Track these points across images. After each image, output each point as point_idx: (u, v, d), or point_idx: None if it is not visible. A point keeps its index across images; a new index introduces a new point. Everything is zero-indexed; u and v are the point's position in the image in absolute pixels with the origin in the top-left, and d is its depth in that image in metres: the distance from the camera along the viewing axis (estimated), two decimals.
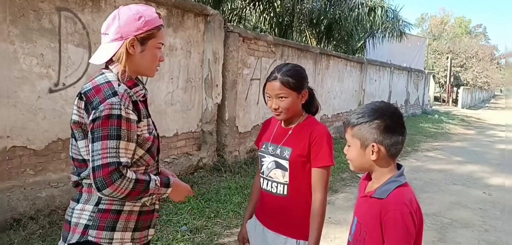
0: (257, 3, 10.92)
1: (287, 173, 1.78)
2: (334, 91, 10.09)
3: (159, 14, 1.53)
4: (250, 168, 6.13)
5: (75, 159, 1.48)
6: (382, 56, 15.76)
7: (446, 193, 5.90)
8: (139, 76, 1.60)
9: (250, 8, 11.42)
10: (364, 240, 1.42)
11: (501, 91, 72.73)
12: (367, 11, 12.00)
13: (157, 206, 1.63)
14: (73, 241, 1.43)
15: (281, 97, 1.74)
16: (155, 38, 1.49)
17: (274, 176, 1.81)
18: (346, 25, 12.29)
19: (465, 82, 37.44)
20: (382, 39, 13.82)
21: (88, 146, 1.40)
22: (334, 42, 13.53)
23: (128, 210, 1.47)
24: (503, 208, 5.31)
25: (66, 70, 3.81)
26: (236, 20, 11.15)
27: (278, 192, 1.80)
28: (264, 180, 1.86)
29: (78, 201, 1.47)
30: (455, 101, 32.72)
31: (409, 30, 15.63)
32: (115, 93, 1.38)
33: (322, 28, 12.62)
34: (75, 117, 1.44)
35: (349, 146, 1.47)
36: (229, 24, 6.36)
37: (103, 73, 1.47)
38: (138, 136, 1.45)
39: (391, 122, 1.39)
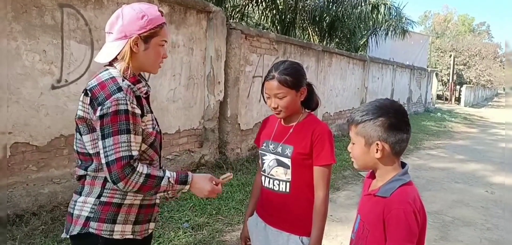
0: (259, 0, 10.89)
1: (289, 171, 1.78)
2: (337, 89, 10.07)
3: (161, 12, 1.55)
4: (252, 165, 6.13)
5: (80, 153, 1.52)
6: (385, 54, 15.72)
7: (448, 191, 5.89)
8: (142, 73, 1.63)
9: (252, 5, 11.39)
10: (367, 238, 1.42)
11: (504, 89, 72.41)
12: (370, 8, 11.96)
13: (158, 200, 1.65)
14: (75, 232, 1.47)
15: (280, 96, 1.74)
16: (158, 36, 1.52)
17: (276, 173, 1.81)
18: (349, 22, 12.25)
19: (468, 80, 37.29)
20: (385, 37, 13.78)
21: (94, 140, 1.44)
22: (337, 40, 13.49)
23: (128, 203, 1.50)
24: (505, 207, 5.30)
25: (68, 66, 3.81)
26: (239, 17, 11.12)
27: (280, 189, 1.81)
28: (266, 178, 1.86)
29: (80, 194, 1.51)
30: (458, 100, 32.63)
31: (412, 27, 15.59)
32: (120, 89, 1.42)
33: (325, 25, 12.58)
34: (80, 113, 1.47)
35: (353, 143, 1.46)
36: (231, 21, 6.36)
37: (107, 69, 1.50)
38: (142, 130, 1.49)
39: (395, 119, 1.38)
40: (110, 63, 1.51)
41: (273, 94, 1.75)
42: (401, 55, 18.56)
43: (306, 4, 10.90)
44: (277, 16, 11.41)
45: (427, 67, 24.79)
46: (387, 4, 12.59)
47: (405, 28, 13.92)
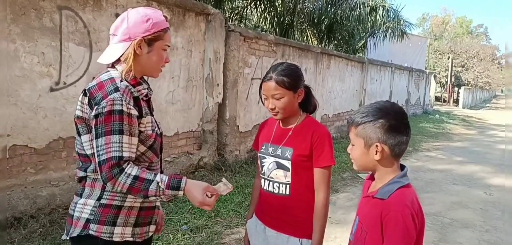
0: (258, 3, 10.91)
1: (289, 173, 1.78)
2: (335, 91, 10.08)
3: (166, 17, 1.57)
4: (251, 167, 6.13)
5: (80, 154, 1.53)
6: (383, 56, 15.75)
7: (447, 193, 5.90)
8: (144, 77, 1.64)
9: (251, 7, 11.41)
10: (365, 239, 1.42)
11: (502, 91, 72.58)
12: (368, 11, 12.00)
13: (158, 203, 1.65)
14: (75, 234, 1.48)
15: (277, 97, 1.74)
16: (161, 40, 1.54)
17: (276, 176, 1.82)
18: (347, 24, 12.28)
19: (466, 82, 37.38)
20: (383, 39, 13.80)
21: (92, 141, 1.44)
22: (335, 42, 13.51)
23: (128, 205, 1.50)
24: (504, 208, 5.30)
25: (67, 69, 3.80)
26: (237, 19, 11.14)
27: (281, 192, 1.81)
28: (265, 180, 1.86)
29: (81, 195, 1.51)
30: (456, 101, 32.70)
31: (410, 30, 15.63)
32: (116, 89, 1.42)
33: (323, 27, 12.60)
34: (78, 113, 1.49)
35: (353, 145, 1.46)
36: (230, 23, 6.36)
37: (108, 71, 1.52)
38: (140, 132, 1.49)
39: (395, 122, 1.38)
40: (113, 65, 1.53)
41: (270, 95, 1.76)
42: (400, 57, 18.60)
43: (304, 7, 10.93)
44: (276, 19, 11.42)
45: (425, 69, 24.86)
46: (385, 6, 12.63)
47: (403, 30, 13.95)
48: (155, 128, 1.58)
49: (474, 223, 4.64)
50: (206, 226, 3.86)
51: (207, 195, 1.51)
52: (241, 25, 10.37)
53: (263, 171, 1.87)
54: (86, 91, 1.46)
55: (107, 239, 1.46)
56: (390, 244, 1.30)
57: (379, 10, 12.41)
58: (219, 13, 5.79)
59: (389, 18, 13.06)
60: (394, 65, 15.28)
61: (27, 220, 3.45)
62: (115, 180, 1.38)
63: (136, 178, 1.40)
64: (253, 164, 6.33)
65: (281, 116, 1.80)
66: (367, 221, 1.43)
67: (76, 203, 1.51)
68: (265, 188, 1.87)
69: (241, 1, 11.48)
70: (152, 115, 1.60)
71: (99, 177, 1.42)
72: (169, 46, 1.59)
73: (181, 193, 1.47)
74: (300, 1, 10.21)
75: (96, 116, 1.39)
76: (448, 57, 35.40)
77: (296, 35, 12.00)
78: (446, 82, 35.10)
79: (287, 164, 1.78)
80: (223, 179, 1.63)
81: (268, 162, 1.84)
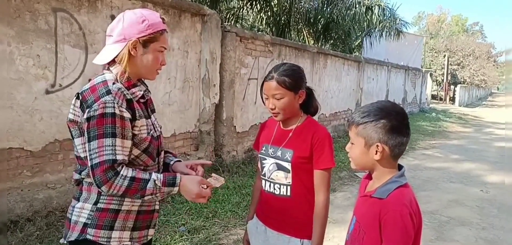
0: (254, 3, 10.91)
1: (289, 175, 1.78)
2: (332, 91, 10.09)
3: (163, 19, 1.56)
4: (248, 167, 6.12)
5: (77, 157, 1.52)
6: (380, 55, 15.79)
7: (443, 191, 5.92)
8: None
9: (247, 7, 11.41)
10: (363, 239, 1.42)
11: (498, 89, 73.00)
12: (364, 10, 12.03)
13: (157, 206, 1.63)
14: (72, 238, 1.47)
15: (278, 97, 1.74)
16: (157, 42, 1.52)
17: (276, 177, 1.81)
18: (344, 24, 12.30)
19: (462, 80, 37.52)
20: (379, 38, 13.84)
21: (84, 144, 1.43)
22: (332, 41, 13.54)
23: (126, 209, 1.49)
24: (500, 206, 5.33)
25: (62, 71, 3.79)
26: (233, 19, 11.14)
27: (281, 193, 1.81)
28: (266, 181, 1.86)
29: (78, 199, 1.50)
30: (453, 99, 32.83)
31: (406, 28, 15.68)
32: (108, 92, 1.41)
33: (320, 27, 12.62)
34: (70, 116, 1.48)
35: (352, 143, 1.46)
36: (226, 23, 6.36)
37: (103, 73, 1.50)
38: (134, 135, 1.47)
39: (397, 122, 1.38)
40: (108, 68, 1.51)
41: (271, 95, 1.75)
42: (396, 56, 18.67)
43: (300, 6, 10.94)
44: (272, 18, 11.43)
45: (422, 67, 24.94)
46: (381, 5, 12.68)
47: (399, 29, 14.00)
48: (151, 130, 1.55)
49: (471, 221, 4.66)
50: (203, 227, 3.85)
51: (202, 187, 1.52)
52: (237, 26, 10.37)
53: (263, 172, 1.87)
54: (79, 94, 1.45)
55: (105, 243, 1.46)
56: (389, 243, 1.30)
57: (375, 9, 12.46)
58: (215, 13, 5.79)
59: (385, 17, 13.11)
60: (391, 64, 15.32)
61: (24, 223, 3.43)
62: (111, 183, 1.37)
63: (132, 179, 1.40)
64: (251, 164, 6.33)
65: (281, 117, 1.79)
66: (365, 221, 1.43)
67: (73, 207, 1.50)
68: (266, 189, 1.87)
69: (237, 2, 11.48)
70: (150, 117, 1.59)
71: (92, 180, 1.40)
72: (165, 48, 1.57)
73: (176, 189, 1.48)
74: (296, 1, 10.21)
75: (88, 119, 1.38)
76: (444, 56, 35.53)
77: (292, 35, 12.01)
78: (442, 80, 35.24)
79: (287, 165, 1.77)
80: (213, 175, 1.66)
81: (269, 163, 1.84)
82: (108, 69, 1.51)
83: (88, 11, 3.97)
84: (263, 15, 11.52)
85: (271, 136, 1.88)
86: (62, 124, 3.74)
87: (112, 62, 1.50)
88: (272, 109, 1.77)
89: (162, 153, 1.71)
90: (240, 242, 3.64)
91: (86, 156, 1.41)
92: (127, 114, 1.43)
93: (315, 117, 1.91)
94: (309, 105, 1.87)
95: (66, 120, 1.52)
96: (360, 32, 14.28)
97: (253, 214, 2.00)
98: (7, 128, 3.42)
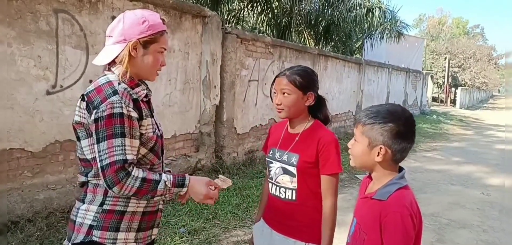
0: (255, 4, 10.92)
1: (295, 179, 1.78)
2: (332, 92, 10.09)
3: (163, 20, 1.56)
4: (249, 169, 6.12)
5: (81, 159, 1.51)
6: (380, 57, 15.79)
7: (444, 193, 5.91)
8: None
9: (248, 9, 11.42)
10: (363, 241, 1.42)
11: (499, 91, 72.91)
12: (365, 12, 12.04)
13: (161, 206, 1.64)
14: (78, 241, 1.46)
15: (285, 93, 1.76)
16: (157, 43, 1.52)
17: (282, 181, 1.82)
18: (344, 26, 12.30)
19: (463, 82, 37.50)
20: (380, 40, 13.85)
21: (92, 145, 1.43)
22: (332, 43, 13.54)
23: (131, 211, 1.50)
24: (501, 208, 5.32)
25: (63, 72, 3.79)
26: (234, 21, 11.15)
27: (287, 197, 1.81)
28: (272, 185, 1.87)
29: (83, 201, 1.50)
30: (453, 102, 32.78)
31: (407, 31, 15.68)
32: (115, 92, 1.41)
33: (320, 29, 12.62)
34: (76, 118, 1.47)
35: (355, 141, 1.46)
36: (227, 25, 6.36)
37: (105, 75, 1.51)
38: (141, 134, 1.48)
39: (404, 128, 1.37)
40: (109, 69, 1.51)
41: (279, 90, 1.78)
42: (396, 58, 18.65)
43: (301, 8, 10.94)
44: (273, 20, 11.44)
45: (422, 69, 24.93)
46: (381, 7, 12.68)
47: (400, 31, 14.00)
48: (156, 129, 1.57)
49: (472, 223, 4.66)
50: (204, 228, 3.85)
51: (210, 188, 1.56)
52: (238, 27, 10.38)
53: (270, 176, 1.88)
54: (84, 96, 1.45)
55: None
56: (390, 244, 1.30)
57: (375, 11, 12.46)
58: (216, 15, 5.79)
59: (385, 19, 13.11)
60: (391, 66, 15.32)
61: (24, 224, 3.43)
62: (123, 184, 1.37)
63: (144, 180, 1.41)
64: (251, 166, 6.32)
65: (284, 114, 1.80)
66: (366, 222, 1.43)
67: (78, 209, 1.50)
68: (272, 192, 1.88)
69: (238, 3, 11.49)
70: (152, 117, 1.59)
71: (102, 182, 1.41)
72: (165, 49, 1.57)
73: (185, 189, 1.52)
74: (297, 2, 10.22)
75: (96, 120, 1.37)
76: (445, 58, 35.51)
77: (293, 37, 12.02)
78: (443, 82, 35.20)
79: (293, 170, 1.77)
80: (220, 176, 1.69)
81: (275, 167, 1.84)
82: (109, 70, 1.51)
83: (89, 12, 3.97)
84: (264, 17, 11.53)
85: (278, 139, 1.89)
86: (63, 125, 3.75)
87: (113, 63, 1.51)
88: (278, 105, 1.79)
89: (164, 151, 1.71)
90: (239, 244, 3.64)
91: (94, 157, 1.41)
92: (134, 114, 1.43)
93: (327, 124, 1.90)
94: (319, 112, 1.87)
95: (66, 121, 1.53)
96: (361, 34, 14.29)
97: (260, 216, 2.00)
98: (7, 129, 3.43)
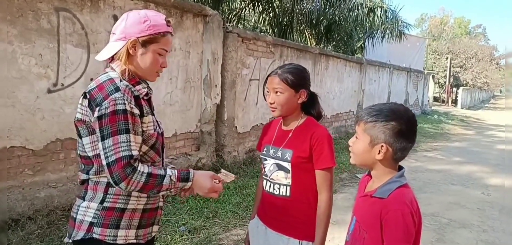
0: (256, 3, 10.92)
1: (289, 175, 1.79)
2: (334, 92, 10.09)
3: (168, 21, 1.56)
4: (249, 168, 6.13)
5: (82, 157, 1.52)
6: (382, 57, 15.78)
7: (445, 193, 5.91)
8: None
9: (249, 8, 11.42)
10: (364, 239, 1.42)
11: (500, 91, 72.74)
12: (366, 11, 12.04)
13: (161, 203, 1.65)
14: (78, 238, 1.47)
15: (278, 92, 1.78)
16: (157, 43, 1.53)
17: (276, 178, 1.83)
18: (346, 25, 12.31)
19: (464, 82, 37.45)
20: (382, 40, 13.84)
21: (93, 143, 1.44)
22: (334, 43, 13.54)
23: (132, 208, 1.51)
24: (501, 208, 5.31)
25: (64, 70, 3.80)
26: (236, 20, 11.15)
27: (281, 193, 1.82)
28: (267, 182, 1.88)
29: (83, 198, 1.51)
30: (455, 102, 32.75)
31: (409, 30, 15.67)
32: (117, 89, 1.42)
33: (322, 28, 12.63)
34: (78, 115, 1.48)
35: (357, 138, 1.47)
36: (228, 24, 6.36)
37: (106, 72, 1.52)
38: (142, 131, 1.49)
39: (406, 127, 1.38)
40: (111, 66, 1.53)
41: (272, 89, 1.80)
42: (398, 58, 18.64)
43: (303, 7, 10.95)
44: (274, 19, 11.44)
45: (424, 69, 24.90)
46: (383, 7, 12.68)
47: (401, 31, 13.99)
48: (157, 127, 1.58)
49: (472, 223, 4.65)
50: (204, 227, 3.86)
51: (214, 182, 1.58)
52: (240, 26, 10.38)
53: (265, 172, 1.89)
54: (86, 93, 1.46)
55: (111, 242, 1.46)
56: (391, 242, 1.31)
57: (377, 11, 12.46)
58: (217, 14, 5.80)
59: (387, 19, 13.10)
60: (393, 66, 15.30)
61: (25, 222, 3.45)
62: (130, 179, 1.38)
63: (149, 175, 1.42)
64: (252, 165, 6.33)
65: (278, 113, 1.82)
66: (366, 220, 1.44)
67: (78, 206, 1.51)
68: (266, 189, 1.89)
69: (239, 2, 11.50)
70: (153, 114, 1.60)
71: (103, 179, 1.42)
72: (167, 51, 1.57)
73: (189, 184, 1.53)
74: (299, 2, 10.22)
75: (99, 117, 1.38)
76: (447, 58, 35.47)
77: (294, 36, 12.02)
78: (445, 82, 35.17)
79: (287, 165, 1.79)
80: (222, 171, 1.70)
81: (269, 164, 1.86)
82: (111, 67, 1.52)
83: (91, 11, 3.98)
84: (265, 16, 11.53)
85: (272, 137, 1.91)
86: (64, 123, 3.76)
87: (113, 60, 1.52)
88: (271, 103, 1.81)
89: (165, 149, 1.73)
90: (240, 243, 3.64)
91: (97, 155, 1.42)
92: (136, 111, 1.44)
93: (320, 120, 1.92)
94: (312, 108, 1.88)
95: (67, 119, 1.54)
96: (362, 34, 14.28)
97: (255, 214, 2.02)
98: (8, 127, 3.44)
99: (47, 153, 3.74)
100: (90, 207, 1.47)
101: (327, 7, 11.93)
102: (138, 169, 1.40)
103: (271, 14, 11.33)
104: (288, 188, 1.80)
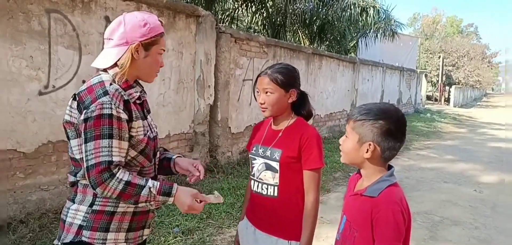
0: (249, 4, 10.93)
1: (277, 175, 1.79)
2: (327, 91, 10.12)
3: (161, 22, 1.57)
4: (243, 168, 6.12)
5: (72, 158, 1.51)
6: (375, 56, 15.85)
7: (437, 191, 5.95)
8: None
9: (242, 8, 11.42)
10: (354, 238, 1.43)
11: (492, 89, 73.48)
12: (359, 11, 12.07)
13: (153, 206, 1.63)
14: (67, 240, 1.46)
15: (268, 92, 1.78)
16: (158, 45, 1.54)
17: (264, 177, 1.83)
18: (339, 25, 12.36)
19: (457, 81, 37.73)
20: (375, 39, 13.90)
21: (80, 145, 1.43)
22: (327, 42, 13.58)
23: (121, 211, 1.49)
24: (493, 206, 5.37)
25: (56, 72, 3.78)
26: (229, 20, 11.14)
27: (269, 193, 1.82)
28: (255, 182, 1.87)
29: (73, 201, 1.50)
30: (447, 100, 32.99)
31: (401, 30, 15.74)
32: (105, 93, 1.41)
33: (315, 28, 12.66)
34: (67, 117, 1.47)
35: (346, 136, 1.48)
36: (221, 25, 6.36)
37: (99, 74, 1.51)
38: (131, 136, 1.47)
39: (394, 127, 1.39)
40: (105, 69, 1.51)
41: (262, 89, 1.80)
42: (391, 57, 18.72)
43: (296, 7, 10.96)
44: (268, 20, 11.45)
45: (417, 68, 25.05)
46: (376, 6, 12.72)
47: (394, 30, 14.06)
48: (148, 132, 1.56)
49: (464, 221, 4.69)
50: (198, 228, 3.85)
51: (196, 200, 1.54)
52: (233, 27, 10.38)
53: (253, 172, 1.89)
54: (76, 95, 1.46)
55: None
56: (382, 241, 1.32)
57: (369, 10, 12.49)
58: (210, 14, 5.79)
59: (380, 19, 13.15)
60: (386, 65, 15.39)
61: (17, 225, 3.42)
62: (106, 185, 1.36)
63: (127, 183, 1.39)
64: (246, 165, 6.32)
65: (268, 113, 1.82)
66: (356, 219, 1.45)
67: (68, 208, 1.50)
68: (254, 189, 1.88)
69: (232, 3, 11.49)
70: (146, 118, 1.59)
71: (87, 182, 1.40)
72: (164, 51, 1.59)
73: (171, 199, 1.49)
74: (292, 2, 10.24)
75: (85, 120, 1.38)
76: (439, 57, 35.71)
77: (288, 36, 12.04)
78: (437, 81, 35.41)
79: (276, 165, 1.79)
80: (215, 192, 1.67)
81: (258, 163, 1.86)
82: (105, 70, 1.51)
83: (82, 12, 3.96)
84: (259, 16, 11.54)
85: (262, 136, 1.91)
86: (56, 125, 3.73)
87: (115, 66, 1.51)
88: (261, 104, 1.81)
89: (158, 153, 1.71)
90: (234, 244, 3.64)
91: (82, 157, 1.41)
92: (124, 116, 1.43)
93: (310, 119, 1.92)
94: (302, 107, 1.88)
95: (59, 122, 1.52)
96: (355, 34, 14.34)
97: (244, 215, 2.01)
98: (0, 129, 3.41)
99: (39, 156, 3.71)
100: (80, 209, 1.47)
101: (320, 7, 11.96)
102: (117, 175, 1.38)
103: (264, 14, 11.34)
104: (276, 188, 1.80)
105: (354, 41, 14.87)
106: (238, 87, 6.54)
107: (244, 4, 11.01)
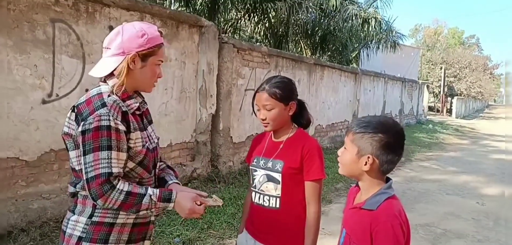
0: (252, 14, 10.99)
1: (279, 186, 1.79)
2: (329, 102, 10.13)
3: (161, 32, 1.57)
4: (245, 178, 6.11)
5: (73, 169, 1.51)
6: (376, 67, 15.88)
7: (439, 203, 5.92)
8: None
9: (245, 19, 11.49)
10: None
11: (495, 101, 73.37)
12: (361, 22, 12.12)
13: (153, 218, 1.63)
14: None
15: (268, 108, 1.78)
16: (155, 56, 1.54)
17: (266, 189, 1.83)
18: (341, 36, 12.41)
19: (458, 92, 37.70)
20: (376, 50, 13.94)
21: (79, 157, 1.43)
22: (329, 53, 13.62)
23: (121, 223, 1.49)
24: (496, 218, 5.33)
25: (59, 81, 3.80)
26: (231, 31, 11.20)
27: (271, 205, 1.82)
28: (256, 193, 1.87)
29: (73, 212, 1.50)
30: (449, 111, 32.94)
31: (403, 41, 15.78)
32: (103, 104, 1.42)
33: (317, 39, 12.71)
34: (65, 129, 1.48)
35: (345, 148, 1.48)
36: (223, 35, 6.39)
37: (99, 85, 1.51)
38: (129, 148, 1.47)
39: (393, 140, 1.40)
40: (105, 80, 1.52)
41: (262, 105, 1.80)
42: (393, 68, 18.76)
43: (298, 18, 11.02)
44: (270, 30, 11.50)
45: (418, 79, 25.08)
46: (377, 18, 12.76)
47: (396, 41, 14.10)
48: (146, 143, 1.55)
49: (467, 233, 4.66)
50: (198, 238, 3.84)
51: (196, 203, 1.53)
52: (235, 37, 10.43)
53: (254, 184, 1.88)
54: (75, 107, 1.46)
55: None
56: None
57: (371, 21, 12.53)
58: (213, 25, 5.83)
59: (381, 30, 13.19)
60: (387, 76, 15.41)
61: (18, 234, 3.41)
62: (107, 197, 1.37)
63: (128, 193, 1.40)
64: (247, 175, 6.30)
65: (271, 127, 1.82)
66: (356, 233, 1.44)
67: (68, 219, 1.50)
68: (255, 201, 1.88)
69: (235, 13, 11.56)
70: (146, 129, 1.59)
71: (88, 194, 1.40)
72: (162, 61, 1.59)
73: (171, 205, 1.49)
74: (294, 12, 10.30)
75: (83, 132, 1.38)
76: (441, 68, 35.73)
77: (290, 46, 12.08)
78: (439, 92, 35.38)
79: (278, 176, 1.79)
80: (213, 196, 1.66)
81: (259, 175, 1.85)
82: (105, 81, 1.51)
83: (86, 22, 3.99)
84: (261, 27, 11.60)
85: (263, 148, 1.91)
86: (58, 134, 3.72)
87: (110, 74, 1.51)
88: (263, 120, 1.81)
89: (158, 164, 1.70)
90: None
91: (81, 169, 1.41)
92: (122, 127, 1.43)
93: (312, 128, 1.94)
94: (301, 117, 1.89)
95: (62, 130, 1.52)
96: (357, 44, 14.39)
97: (243, 227, 2.01)
98: (2, 137, 3.42)
99: (41, 164, 3.72)
100: (79, 221, 1.47)
101: (322, 17, 12.03)
102: (117, 186, 1.39)
103: (267, 25, 11.39)
104: (278, 199, 1.80)
105: (356, 52, 14.92)
106: (240, 97, 6.55)
107: (247, 15, 11.08)
